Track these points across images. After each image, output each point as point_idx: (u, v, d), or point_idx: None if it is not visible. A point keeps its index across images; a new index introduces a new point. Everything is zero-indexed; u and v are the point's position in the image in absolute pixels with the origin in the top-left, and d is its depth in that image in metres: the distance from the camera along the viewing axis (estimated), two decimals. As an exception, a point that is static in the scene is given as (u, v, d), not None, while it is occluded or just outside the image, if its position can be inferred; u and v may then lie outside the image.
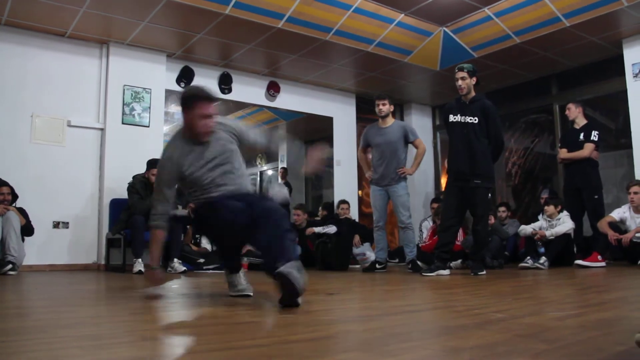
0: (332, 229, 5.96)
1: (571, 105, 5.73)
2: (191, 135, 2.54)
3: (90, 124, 5.76)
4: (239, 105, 7.81)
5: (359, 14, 5.56)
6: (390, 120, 5.21)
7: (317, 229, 6.06)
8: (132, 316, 2.07)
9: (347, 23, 5.64)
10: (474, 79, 4.48)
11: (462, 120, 4.45)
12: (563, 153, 5.69)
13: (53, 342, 1.45)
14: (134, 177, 5.29)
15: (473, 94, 4.49)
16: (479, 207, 4.41)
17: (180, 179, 2.57)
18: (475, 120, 4.41)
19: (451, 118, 4.53)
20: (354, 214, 7.33)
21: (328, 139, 7.94)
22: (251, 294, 2.58)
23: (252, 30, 5.53)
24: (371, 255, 5.91)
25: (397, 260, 6.56)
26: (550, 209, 5.47)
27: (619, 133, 6.61)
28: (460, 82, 4.45)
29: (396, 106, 8.33)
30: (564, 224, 5.34)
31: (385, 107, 5.12)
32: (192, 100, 2.52)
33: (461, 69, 4.48)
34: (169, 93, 6.38)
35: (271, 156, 11.15)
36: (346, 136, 7.79)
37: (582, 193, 5.51)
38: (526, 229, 5.56)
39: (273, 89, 7.09)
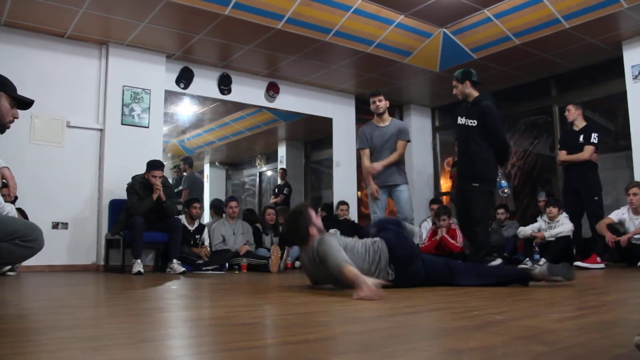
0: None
1: (571, 107, 5.72)
2: None
3: (90, 124, 5.76)
4: (238, 106, 7.83)
5: (358, 15, 5.57)
6: (388, 119, 4.98)
7: None
8: (132, 318, 2.06)
9: (347, 24, 5.65)
10: (467, 82, 4.47)
11: (464, 123, 4.46)
12: (562, 155, 5.68)
13: (52, 344, 1.44)
14: (133, 178, 5.28)
15: (475, 94, 4.46)
16: (476, 209, 4.38)
17: None
18: (474, 123, 4.40)
19: (458, 120, 4.55)
20: (353, 215, 7.33)
21: (327, 140, 7.95)
22: None
23: (251, 31, 5.53)
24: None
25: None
26: (554, 210, 5.46)
27: (618, 135, 6.61)
28: (454, 90, 4.56)
29: (396, 107, 8.33)
30: (563, 225, 5.35)
31: (382, 102, 4.88)
32: None
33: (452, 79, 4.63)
34: (168, 94, 6.38)
35: (271, 157, 11.16)
36: (345, 137, 7.79)
37: (582, 195, 5.51)
38: (525, 230, 5.56)
39: (272, 90, 7.09)
